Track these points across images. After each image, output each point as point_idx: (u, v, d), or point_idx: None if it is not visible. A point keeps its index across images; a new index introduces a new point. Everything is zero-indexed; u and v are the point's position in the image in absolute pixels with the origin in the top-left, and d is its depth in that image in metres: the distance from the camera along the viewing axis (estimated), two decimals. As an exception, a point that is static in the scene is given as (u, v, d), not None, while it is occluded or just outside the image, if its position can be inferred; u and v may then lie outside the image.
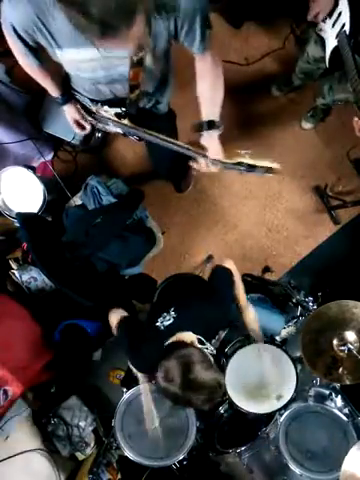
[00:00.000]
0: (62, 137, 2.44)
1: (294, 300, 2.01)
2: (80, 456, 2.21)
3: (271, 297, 2.03)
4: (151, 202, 2.55)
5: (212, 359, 1.30)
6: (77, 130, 1.64)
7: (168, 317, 1.39)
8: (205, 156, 1.43)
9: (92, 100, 1.50)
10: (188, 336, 1.35)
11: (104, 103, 1.48)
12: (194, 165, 1.48)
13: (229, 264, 1.58)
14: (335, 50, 1.70)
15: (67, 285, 1.90)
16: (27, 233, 1.93)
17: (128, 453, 1.75)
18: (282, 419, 1.72)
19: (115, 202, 2.03)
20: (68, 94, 1.51)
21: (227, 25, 2.66)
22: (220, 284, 1.53)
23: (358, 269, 2.35)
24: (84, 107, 1.56)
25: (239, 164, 1.37)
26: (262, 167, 1.36)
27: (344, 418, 1.68)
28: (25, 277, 2.04)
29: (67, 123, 2.36)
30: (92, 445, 2.22)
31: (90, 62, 1.19)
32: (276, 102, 2.65)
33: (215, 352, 1.46)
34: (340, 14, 1.62)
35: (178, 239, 2.61)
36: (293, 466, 1.70)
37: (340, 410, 1.71)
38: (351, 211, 2.52)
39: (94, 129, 2.39)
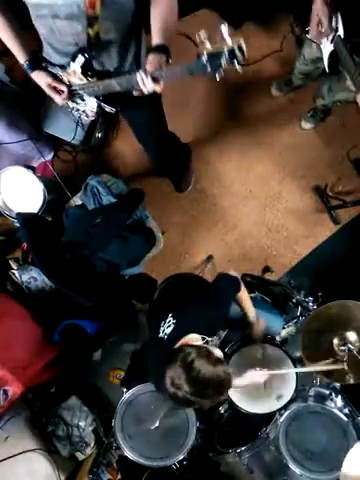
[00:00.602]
0: (62, 137, 2.44)
1: (294, 300, 2.01)
2: (80, 456, 2.21)
3: (271, 297, 2.03)
4: (151, 202, 2.55)
5: (214, 350, 1.27)
6: (55, 96, 1.59)
7: (167, 325, 1.37)
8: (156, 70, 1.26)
9: (61, 67, 1.48)
10: (192, 339, 1.33)
11: (69, 62, 1.45)
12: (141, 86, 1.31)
13: (232, 273, 1.58)
14: (332, 54, 1.71)
15: (67, 285, 1.90)
16: (27, 233, 1.93)
17: (128, 453, 1.75)
18: (282, 419, 1.72)
19: (115, 202, 2.03)
20: (36, 61, 1.49)
21: (227, 25, 2.65)
22: (222, 287, 1.53)
23: (358, 269, 2.35)
24: (54, 76, 1.54)
25: (197, 57, 1.09)
26: (222, 54, 1.07)
27: (344, 418, 1.68)
28: (25, 277, 2.04)
29: (67, 123, 2.39)
30: (92, 445, 2.22)
31: None
32: (276, 102, 2.65)
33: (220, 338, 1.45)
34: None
35: (178, 239, 2.61)
36: (293, 466, 1.70)
37: (340, 410, 1.71)
38: (351, 211, 2.52)
39: (94, 121, 2.39)
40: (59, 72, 1.50)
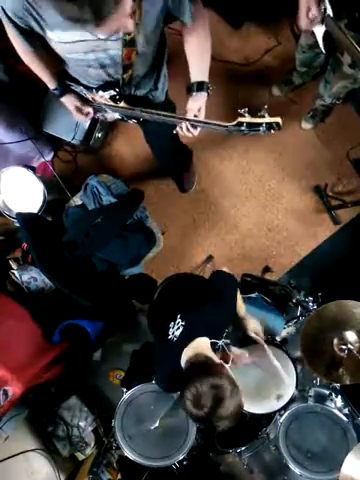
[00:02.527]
0: (62, 137, 2.44)
1: (294, 300, 2.01)
2: (80, 456, 2.21)
3: (271, 297, 2.03)
4: (151, 202, 2.55)
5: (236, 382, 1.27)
6: (81, 118, 1.65)
7: (177, 327, 1.36)
8: (196, 120, 1.40)
9: (86, 87, 1.51)
10: (202, 344, 1.32)
11: (98, 89, 1.49)
12: (180, 131, 1.44)
13: (226, 270, 1.57)
14: (326, 35, 1.70)
15: (67, 285, 1.90)
16: (27, 233, 1.93)
17: (128, 453, 1.75)
18: (282, 419, 1.72)
19: (115, 202, 2.03)
20: (64, 85, 1.53)
21: (227, 25, 2.66)
22: (224, 284, 1.52)
23: (358, 269, 2.35)
24: (80, 96, 1.59)
25: (238, 124, 1.25)
26: (264, 124, 1.22)
27: (344, 418, 1.68)
28: (25, 277, 2.04)
29: (67, 123, 2.39)
30: (92, 445, 2.22)
31: (81, 43, 1.20)
32: (276, 102, 2.65)
33: (229, 341, 1.45)
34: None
35: (178, 239, 2.61)
36: (293, 466, 1.70)
37: (340, 410, 1.71)
38: (351, 211, 2.52)
39: (94, 121, 2.39)
40: (83, 91, 1.54)
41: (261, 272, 2.49)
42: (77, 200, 2.17)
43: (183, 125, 1.39)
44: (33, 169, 2.20)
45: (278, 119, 1.20)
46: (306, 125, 2.59)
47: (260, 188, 2.61)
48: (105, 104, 1.54)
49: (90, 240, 1.93)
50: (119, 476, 2.05)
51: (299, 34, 2.60)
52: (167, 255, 2.54)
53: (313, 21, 1.64)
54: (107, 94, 1.48)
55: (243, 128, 1.23)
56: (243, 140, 2.63)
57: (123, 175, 2.57)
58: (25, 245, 2.11)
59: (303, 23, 1.68)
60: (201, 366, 1.25)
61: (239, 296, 1.61)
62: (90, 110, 1.61)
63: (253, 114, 1.23)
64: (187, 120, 1.38)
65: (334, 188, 2.55)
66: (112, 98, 1.49)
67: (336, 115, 2.58)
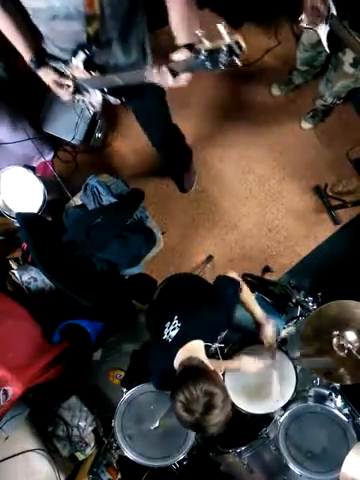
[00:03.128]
0: (62, 137, 2.44)
1: (294, 300, 2.01)
2: (80, 456, 2.21)
3: (271, 297, 2.03)
4: (151, 202, 2.56)
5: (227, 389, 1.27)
6: (61, 92, 1.60)
7: (172, 327, 1.36)
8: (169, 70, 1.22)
9: (64, 61, 1.49)
10: (196, 347, 1.32)
11: (71, 56, 1.45)
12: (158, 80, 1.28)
13: (232, 274, 1.57)
14: (330, 34, 1.70)
15: (67, 285, 1.90)
16: (27, 233, 1.93)
17: (128, 453, 1.75)
18: (282, 419, 1.72)
19: (115, 202, 2.03)
20: (40, 58, 1.51)
21: (227, 25, 2.65)
22: (224, 289, 1.51)
23: (358, 269, 2.35)
24: (60, 73, 1.55)
25: (196, 54, 1.07)
26: (222, 49, 1.06)
27: (344, 418, 1.68)
28: (25, 277, 2.04)
29: (67, 123, 2.39)
30: (92, 445, 2.22)
31: None
32: (276, 102, 2.65)
33: (223, 345, 1.44)
34: None
35: (178, 239, 2.61)
36: (293, 466, 1.70)
37: (340, 410, 1.71)
38: (351, 211, 2.52)
39: (94, 121, 2.35)
40: (62, 66, 1.52)
41: (261, 272, 2.49)
42: (77, 200, 2.17)
43: (151, 72, 1.24)
44: (33, 169, 2.20)
45: (237, 36, 1.05)
46: (306, 125, 2.59)
47: (260, 188, 2.61)
48: (82, 78, 1.51)
49: (90, 240, 1.93)
50: (119, 476, 2.05)
51: (299, 34, 2.60)
52: (167, 255, 2.54)
53: (318, 18, 1.64)
54: (80, 60, 1.43)
55: (202, 58, 1.07)
56: (243, 140, 2.63)
57: (123, 175, 2.57)
58: (25, 245, 2.11)
59: (308, 20, 1.68)
60: (195, 370, 1.24)
61: (253, 299, 1.60)
62: (69, 82, 1.55)
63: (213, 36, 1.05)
64: (164, 65, 1.21)
65: (334, 188, 2.55)
66: (85, 65, 1.44)
67: (336, 115, 2.58)
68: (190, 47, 1.25)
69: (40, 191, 2.12)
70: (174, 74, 1.24)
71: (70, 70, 1.51)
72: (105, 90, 1.57)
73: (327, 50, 1.78)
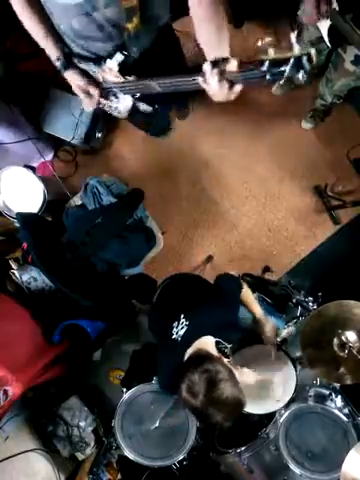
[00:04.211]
0: (62, 137, 2.44)
1: (294, 300, 2.01)
2: (80, 456, 2.21)
3: (271, 297, 2.03)
4: (151, 202, 2.55)
5: (235, 372, 1.26)
6: (86, 100, 1.49)
7: (180, 326, 1.36)
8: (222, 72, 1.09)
9: (95, 61, 1.38)
10: (207, 341, 1.32)
11: (105, 58, 1.35)
12: (206, 89, 1.17)
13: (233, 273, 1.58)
14: (331, 29, 1.69)
15: (67, 285, 1.90)
16: (27, 233, 1.93)
17: (128, 453, 1.75)
18: (282, 419, 1.71)
19: (115, 202, 2.03)
20: (67, 58, 1.40)
21: (227, 25, 2.65)
22: (227, 286, 1.53)
23: (358, 269, 2.34)
24: (88, 76, 1.45)
25: (260, 64, 0.93)
26: (289, 60, 0.90)
27: (344, 418, 1.67)
28: (25, 277, 2.04)
29: (67, 123, 2.39)
30: (92, 445, 2.22)
31: None
32: (276, 102, 2.65)
33: (230, 346, 1.44)
34: None
35: (178, 239, 2.61)
36: (293, 466, 1.70)
37: (340, 410, 1.71)
38: (351, 211, 2.52)
39: (95, 121, 2.28)
40: (92, 68, 1.41)
41: (261, 272, 2.49)
42: (77, 200, 2.17)
43: (210, 74, 1.09)
44: (33, 169, 2.20)
45: (311, 49, 0.89)
46: (306, 125, 2.59)
47: (260, 188, 2.61)
48: (115, 83, 1.39)
49: (90, 240, 1.93)
50: (119, 476, 2.05)
51: (298, 33, 2.61)
52: (167, 255, 2.54)
53: (321, 14, 1.63)
54: (115, 62, 1.32)
55: (265, 68, 0.92)
56: (243, 140, 2.63)
57: (123, 175, 2.57)
58: (25, 245, 2.11)
59: (312, 17, 1.67)
60: (197, 357, 1.25)
61: (253, 297, 1.61)
62: (96, 92, 1.43)
63: (277, 46, 0.91)
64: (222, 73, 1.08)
65: (334, 188, 2.55)
66: (121, 68, 1.32)
67: (336, 115, 2.58)
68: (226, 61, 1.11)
69: (40, 191, 2.12)
70: (231, 85, 1.12)
71: (102, 72, 1.39)
72: (137, 96, 1.46)
73: (328, 45, 1.77)
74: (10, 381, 1.70)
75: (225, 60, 1.09)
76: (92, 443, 2.22)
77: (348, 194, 2.53)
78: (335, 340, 1.68)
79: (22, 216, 2.00)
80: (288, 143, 2.62)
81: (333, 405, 1.73)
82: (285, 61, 0.91)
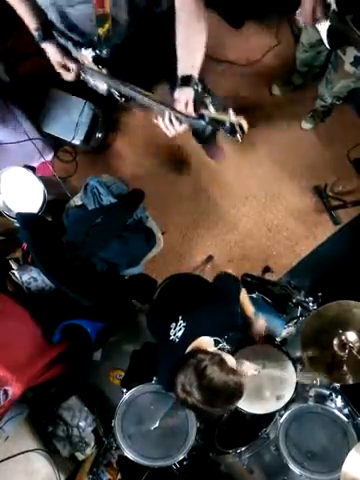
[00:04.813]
0: (62, 137, 2.44)
1: (294, 300, 2.01)
2: (80, 456, 2.21)
3: (271, 297, 2.03)
4: (151, 202, 2.54)
5: (228, 358, 1.26)
6: (64, 73, 1.51)
7: (178, 327, 1.36)
8: (171, 109, 1.24)
9: (74, 43, 1.41)
10: (204, 341, 1.33)
11: (81, 45, 1.39)
12: (158, 122, 1.29)
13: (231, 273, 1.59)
14: (330, 30, 1.70)
15: (67, 285, 1.90)
16: (27, 233, 1.93)
17: (128, 453, 1.75)
18: (282, 419, 1.72)
19: (115, 202, 2.03)
20: (46, 30, 1.41)
21: (227, 25, 2.66)
22: (226, 287, 1.53)
23: (358, 269, 2.35)
24: (67, 51, 1.48)
25: (200, 117, 1.14)
26: (225, 122, 1.12)
27: (344, 418, 1.68)
28: (25, 277, 2.03)
29: (67, 123, 2.39)
30: (92, 445, 2.22)
31: None
32: (276, 102, 2.65)
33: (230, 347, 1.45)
34: None
35: (178, 239, 2.61)
36: (293, 466, 1.70)
37: (340, 410, 1.71)
38: (351, 211, 2.52)
39: (95, 121, 2.30)
40: (70, 46, 1.44)
41: (261, 272, 2.49)
42: (77, 200, 2.17)
43: (166, 114, 1.24)
44: (33, 169, 2.20)
45: (242, 120, 1.11)
46: (306, 125, 2.59)
47: (260, 188, 2.61)
48: (91, 68, 1.44)
49: (90, 240, 1.93)
50: (119, 476, 2.05)
51: (299, 34, 2.61)
52: (167, 255, 2.54)
53: (319, 18, 1.63)
54: (88, 53, 1.37)
55: (203, 123, 1.12)
56: (243, 140, 2.63)
57: (123, 175, 2.57)
58: (25, 245, 2.11)
59: (306, 21, 1.67)
60: (182, 358, 1.26)
61: (246, 296, 1.61)
62: (74, 66, 1.46)
63: (218, 108, 1.11)
64: (173, 110, 1.23)
65: (334, 188, 2.55)
66: (95, 61, 1.38)
67: (336, 115, 2.58)
68: (186, 81, 1.25)
69: (40, 191, 2.12)
70: (180, 122, 1.24)
71: (79, 55, 1.43)
72: (111, 86, 1.49)
73: (327, 46, 1.77)
74: (10, 381, 1.70)
75: (187, 80, 1.25)
76: (92, 443, 2.22)
77: (348, 194, 2.53)
78: (335, 340, 1.68)
79: (22, 216, 2.00)
80: (288, 143, 2.62)
81: (333, 405, 1.73)
82: (222, 122, 1.11)
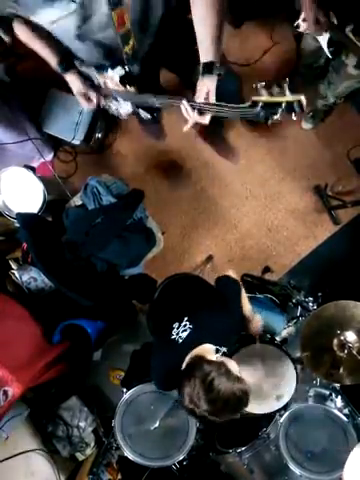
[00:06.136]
0: (62, 137, 2.44)
1: (294, 300, 2.01)
2: (80, 456, 2.21)
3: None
4: (151, 202, 2.55)
5: (231, 366, 1.26)
6: (84, 103, 1.53)
7: (182, 328, 1.36)
8: (198, 103, 1.21)
9: (97, 68, 1.41)
10: (206, 348, 1.32)
11: (107, 68, 1.38)
12: (187, 117, 1.25)
13: (232, 274, 1.58)
14: (330, 42, 1.71)
15: (67, 285, 1.90)
16: (27, 233, 1.93)
17: (128, 453, 1.75)
18: (282, 419, 1.72)
19: (115, 202, 2.03)
20: (68, 62, 1.42)
21: (227, 25, 2.66)
22: (229, 290, 1.52)
23: (358, 269, 2.34)
24: (90, 81, 1.49)
25: (253, 105, 1.02)
26: (281, 104, 1.01)
27: (344, 418, 1.68)
28: (25, 277, 2.04)
29: (67, 123, 2.39)
30: (92, 445, 2.22)
31: (66, 19, 1.12)
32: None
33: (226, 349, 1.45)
34: None
35: (178, 239, 2.61)
36: (293, 466, 1.70)
37: (340, 410, 1.71)
38: (351, 211, 2.52)
39: (95, 121, 2.28)
40: (93, 72, 1.44)
41: (261, 272, 2.49)
42: (77, 200, 2.17)
43: (189, 110, 1.21)
44: (33, 169, 2.20)
45: (301, 97, 0.99)
46: (306, 125, 2.59)
47: (260, 188, 2.61)
48: (116, 90, 1.43)
49: (90, 240, 1.93)
50: (119, 476, 2.05)
51: (300, 37, 2.61)
52: (167, 255, 2.54)
53: (321, 28, 1.64)
54: (116, 73, 1.36)
55: (258, 110, 1.01)
56: (243, 140, 2.63)
57: (123, 175, 2.57)
58: (25, 245, 2.11)
59: (311, 29, 1.68)
60: (186, 369, 1.25)
61: (245, 296, 1.61)
62: (94, 97, 1.48)
63: (271, 89, 1.00)
64: (198, 104, 1.19)
65: (334, 188, 2.55)
66: (122, 80, 1.36)
67: (336, 115, 2.58)
68: (210, 67, 1.21)
69: (40, 191, 2.12)
70: (202, 113, 1.22)
71: (103, 78, 1.43)
72: (137, 104, 1.51)
73: (329, 56, 1.79)
74: (10, 381, 1.70)
75: (210, 67, 1.19)
76: (92, 443, 2.22)
77: (348, 194, 2.53)
78: (335, 340, 1.68)
79: (22, 216, 2.00)
80: (288, 143, 2.62)
81: (333, 405, 1.74)
82: (278, 104, 1.01)
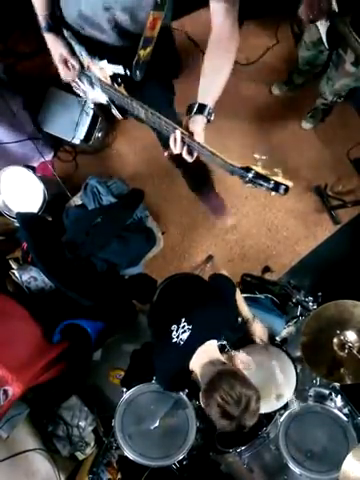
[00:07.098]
0: (62, 137, 2.44)
1: (294, 300, 2.01)
2: (80, 456, 2.21)
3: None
4: (151, 202, 2.55)
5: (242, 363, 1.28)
6: (63, 71, 1.40)
7: (182, 330, 1.36)
8: (193, 140, 1.21)
9: (88, 51, 1.32)
10: (211, 348, 1.32)
11: (102, 57, 1.29)
12: (171, 145, 1.23)
13: (225, 274, 1.59)
14: (330, 31, 1.70)
15: (67, 285, 1.90)
16: (27, 233, 1.94)
17: (128, 453, 1.75)
18: (282, 419, 1.72)
19: (115, 202, 2.03)
20: (55, 22, 1.30)
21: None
22: (224, 287, 1.53)
23: (358, 269, 2.35)
24: (72, 50, 1.36)
25: (246, 170, 1.11)
26: (270, 181, 1.11)
27: (344, 418, 1.68)
28: (25, 277, 2.04)
29: (67, 123, 2.39)
30: (92, 445, 2.22)
31: None
32: (276, 102, 2.65)
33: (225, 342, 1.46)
34: None
35: (178, 239, 2.61)
36: (293, 466, 1.70)
37: (340, 410, 1.71)
38: (351, 211, 2.52)
39: (95, 121, 2.26)
40: (82, 52, 1.34)
41: (261, 272, 2.49)
42: (77, 200, 2.17)
43: (178, 143, 1.19)
44: (33, 169, 2.20)
45: (290, 183, 1.10)
46: (306, 125, 2.59)
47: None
48: (100, 80, 1.34)
49: (90, 240, 1.93)
50: (119, 476, 2.05)
51: (299, 33, 2.61)
52: (167, 255, 2.54)
53: (320, 14, 1.64)
54: (111, 69, 1.28)
55: (249, 176, 1.09)
56: (243, 140, 2.63)
57: (123, 175, 2.57)
58: (25, 245, 2.11)
59: (309, 16, 1.67)
60: (225, 375, 1.22)
61: (241, 297, 1.61)
62: (76, 65, 1.36)
63: (267, 167, 1.09)
64: (193, 142, 1.20)
65: (334, 188, 2.55)
66: (113, 77, 1.29)
67: (336, 115, 2.58)
68: (201, 109, 1.24)
69: (40, 191, 2.12)
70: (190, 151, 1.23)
71: (89, 63, 1.34)
72: (115, 101, 1.44)
73: (326, 46, 1.78)
74: (10, 381, 1.70)
75: (202, 109, 1.23)
76: (92, 443, 2.22)
77: (348, 194, 2.53)
78: (335, 340, 1.68)
79: (22, 216, 2.00)
80: (288, 143, 2.62)
81: (333, 405, 1.74)
82: (266, 179, 1.09)
